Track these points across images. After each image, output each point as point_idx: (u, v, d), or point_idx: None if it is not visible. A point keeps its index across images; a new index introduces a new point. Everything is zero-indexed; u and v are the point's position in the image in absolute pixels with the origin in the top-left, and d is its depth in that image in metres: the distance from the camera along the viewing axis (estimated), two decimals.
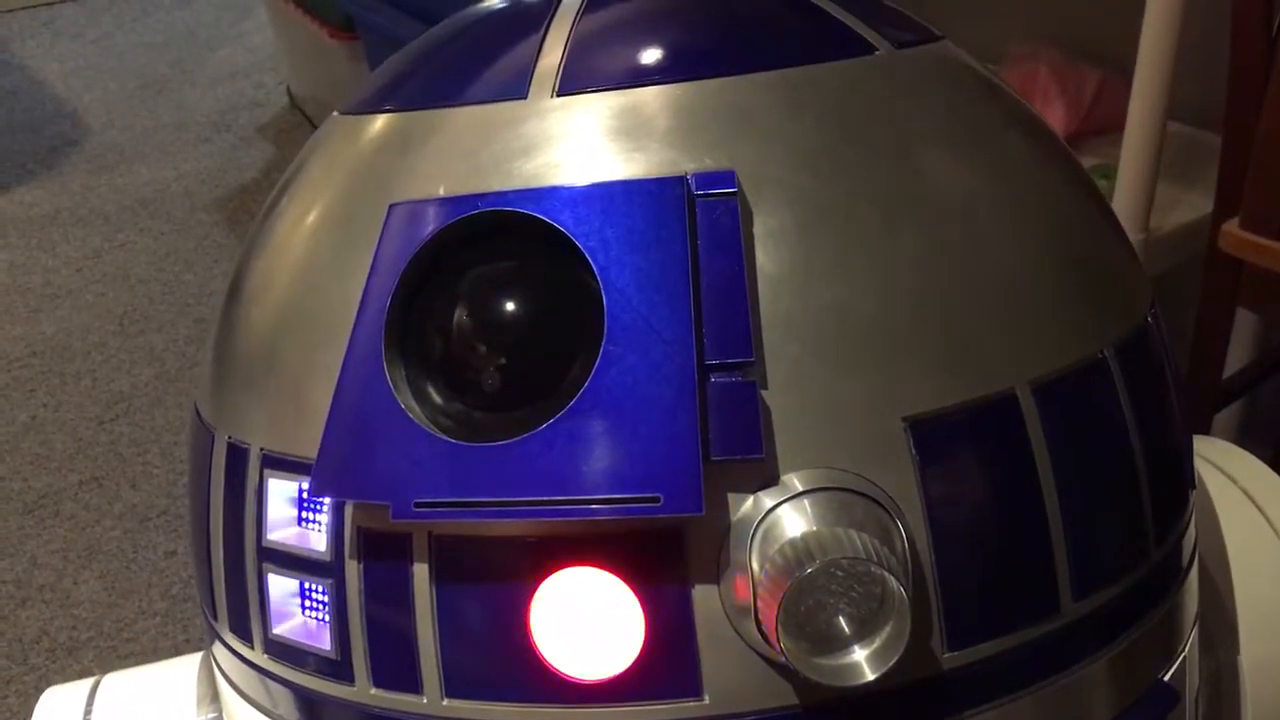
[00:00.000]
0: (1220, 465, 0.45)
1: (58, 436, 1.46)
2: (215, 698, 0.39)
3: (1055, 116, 1.08)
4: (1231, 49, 0.82)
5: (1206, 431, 0.98)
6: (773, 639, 0.25)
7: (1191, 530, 0.34)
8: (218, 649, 0.34)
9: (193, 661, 0.41)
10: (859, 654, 0.25)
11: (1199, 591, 0.39)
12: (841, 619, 0.25)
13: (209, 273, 1.79)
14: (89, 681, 0.40)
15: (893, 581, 0.24)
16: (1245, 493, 0.44)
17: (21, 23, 2.87)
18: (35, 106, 2.44)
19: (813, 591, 0.25)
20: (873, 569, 0.24)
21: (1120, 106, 0.91)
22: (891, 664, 0.24)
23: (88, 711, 0.39)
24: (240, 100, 2.41)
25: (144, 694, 0.39)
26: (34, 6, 2.96)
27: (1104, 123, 1.07)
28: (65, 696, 0.39)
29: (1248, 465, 0.45)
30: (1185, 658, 0.33)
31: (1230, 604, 0.41)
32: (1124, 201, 0.92)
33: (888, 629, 0.25)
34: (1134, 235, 0.95)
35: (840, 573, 0.25)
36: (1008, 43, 1.28)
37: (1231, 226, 0.80)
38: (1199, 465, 0.44)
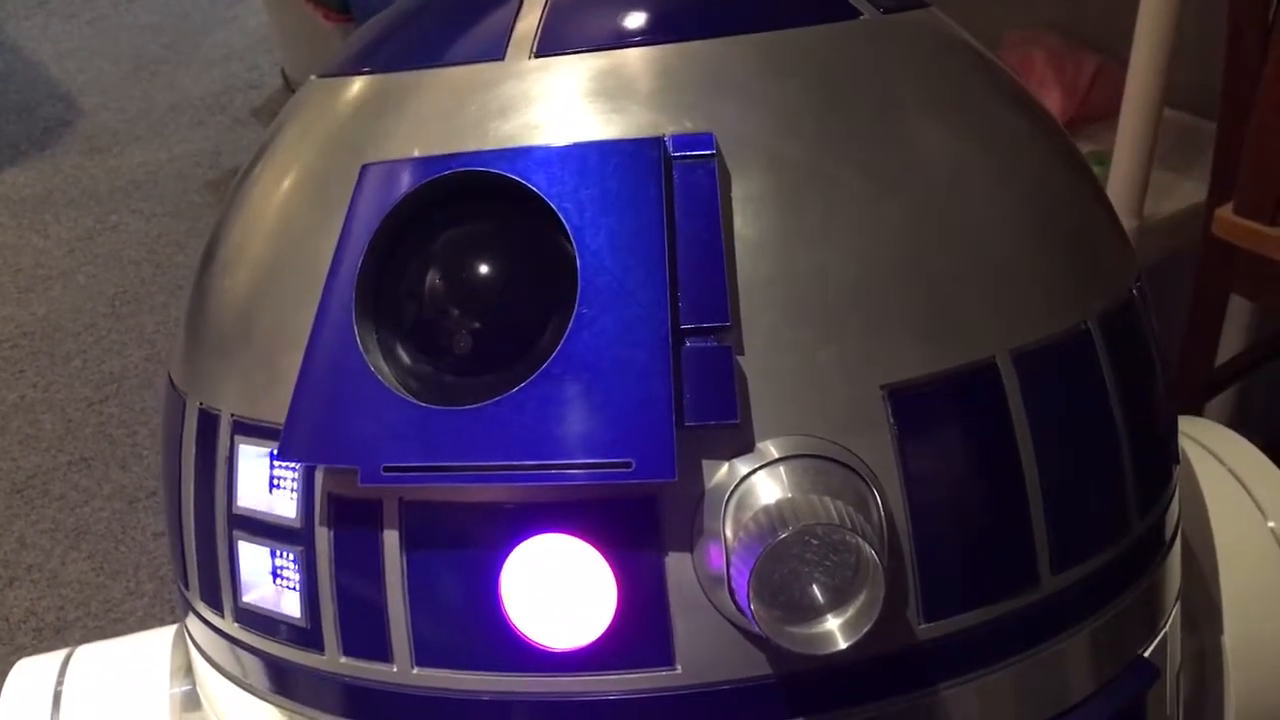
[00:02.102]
0: (1208, 446, 0.44)
1: (47, 417, 1.45)
2: (189, 669, 0.39)
3: (1052, 102, 1.08)
4: (1228, 37, 0.82)
5: (1200, 416, 0.97)
6: (745, 607, 0.24)
7: (1175, 505, 0.33)
8: (190, 619, 0.34)
9: (167, 634, 0.40)
10: (832, 623, 0.24)
11: (1183, 571, 0.38)
12: (816, 588, 0.25)
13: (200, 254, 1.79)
14: (61, 653, 0.40)
15: (867, 549, 0.24)
16: (1233, 474, 0.44)
17: (15, 3, 2.86)
18: (28, 88, 2.43)
19: (786, 559, 0.24)
20: (847, 536, 0.24)
21: (1117, 93, 0.90)
22: (864, 632, 0.24)
23: (59, 682, 0.38)
24: (235, 82, 2.40)
25: (117, 665, 0.39)
26: None
27: (1101, 109, 1.07)
28: (37, 667, 0.39)
29: (1236, 447, 0.45)
30: (1166, 634, 0.33)
31: (1215, 585, 0.41)
32: (1118, 187, 0.92)
33: (862, 597, 0.24)
34: (1129, 221, 0.95)
35: (814, 540, 0.24)
36: (1006, 27, 1.28)
37: (1225, 212, 0.79)
38: (1187, 446, 0.44)
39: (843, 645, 0.24)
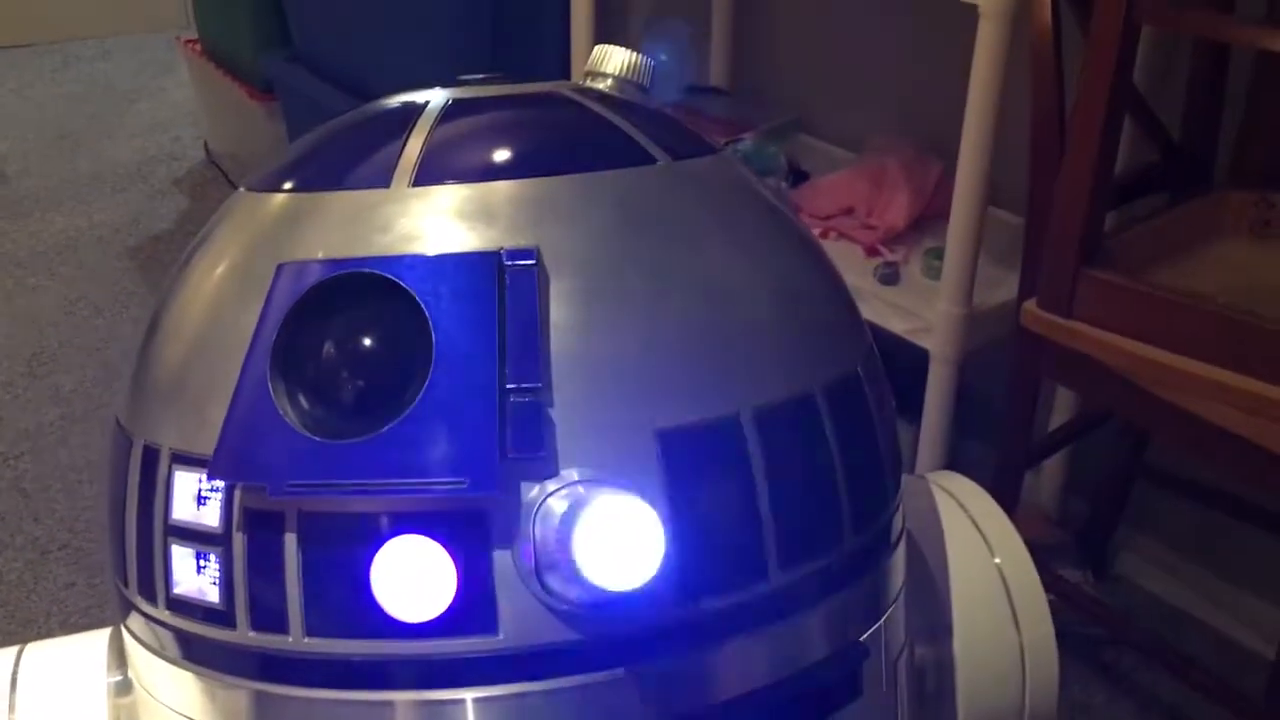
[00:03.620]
0: (954, 494, 0.55)
1: None
2: (122, 663, 0.47)
3: (901, 202, 1.21)
4: (1030, 144, 0.95)
5: (1018, 485, 1.09)
6: (547, 586, 0.34)
7: (890, 528, 0.44)
8: (129, 614, 0.43)
9: (103, 635, 0.49)
10: (629, 570, 0.34)
11: (926, 592, 0.49)
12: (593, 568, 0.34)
13: (118, 317, 1.85)
14: (13, 649, 0.48)
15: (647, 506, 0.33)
16: (971, 518, 0.54)
17: None
18: None
19: (569, 556, 0.34)
20: (625, 495, 0.33)
21: None
22: (651, 574, 0.33)
23: (15, 673, 0.47)
24: (158, 153, 2.47)
25: (62, 659, 0.47)
26: None
27: (945, 210, 1.20)
28: None
29: (976, 496, 0.56)
30: (882, 627, 0.43)
31: (949, 605, 0.51)
32: (949, 279, 1.04)
33: (647, 547, 0.34)
34: (958, 309, 1.08)
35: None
36: (874, 131, 1.42)
37: (1031, 305, 0.92)
38: (937, 494, 0.55)
39: (639, 584, 0.33)
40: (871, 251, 1.24)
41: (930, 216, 1.24)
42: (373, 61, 1.78)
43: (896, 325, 1.14)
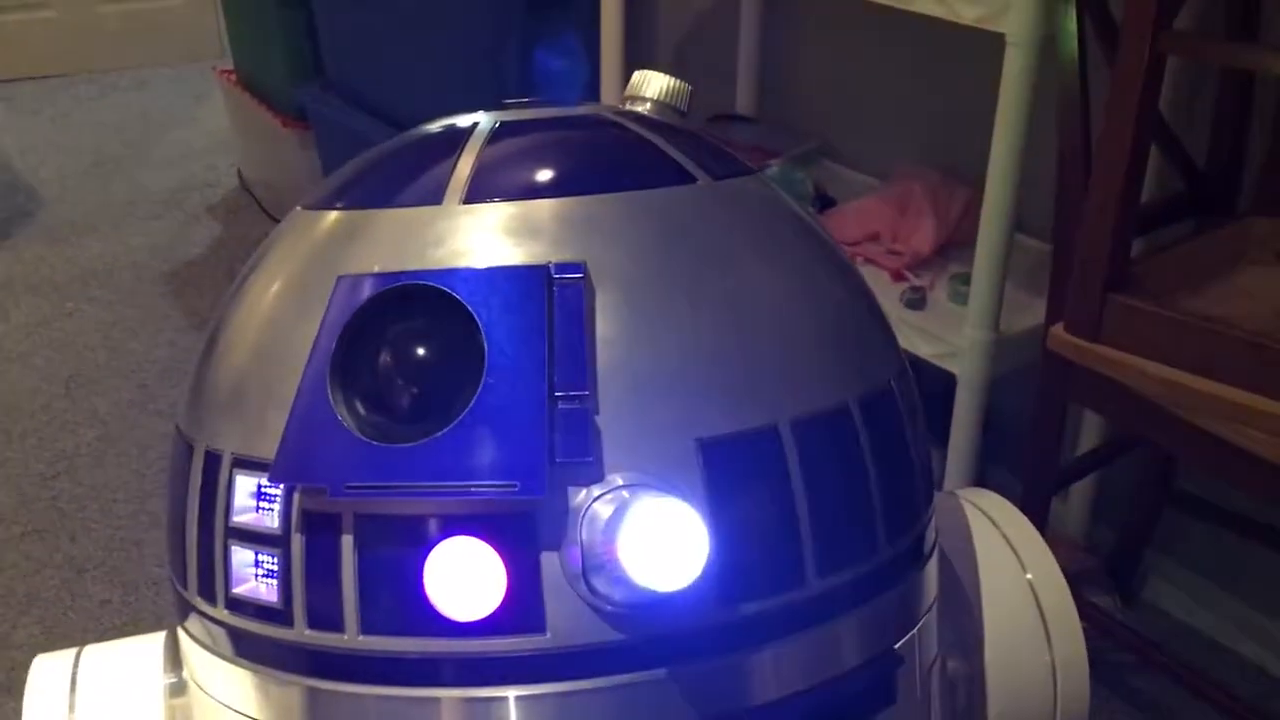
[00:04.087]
0: (985, 510, 0.56)
1: (2, 491, 1.52)
2: (177, 665, 0.49)
3: (927, 228, 1.23)
4: (1057, 168, 0.96)
5: (1045, 511, 1.10)
6: (593, 587, 0.36)
7: (924, 539, 0.45)
8: (187, 613, 0.44)
9: (158, 637, 0.50)
10: (676, 570, 0.35)
11: (957, 608, 0.50)
12: (638, 573, 0.36)
13: (153, 340, 1.88)
14: (72, 650, 0.50)
15: (692, 510, 0.35)
16: (1003, 534, 0.55)
17: None
18: None
19: (615, 559, 0.35)
20: (669, 498, 0.35)
21: None
22: (696, 575, 0.35)
23: (74, 673, 0.48)
24: (192, 180, 2.51)
25: (120, 660, 0.49)
26: None
27: (970, 236, 1.21)
28: (53, 662, 0.49)
29: (1008, 513, 0.56)
30: (916, 636, 0.44)
31: (979, 617, 0.52)
32: (977, 304, 1.05)
33: (693, 548, 0.35)
34: (985, 334, 1.09)
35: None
36: (899, 159, 1.43)
37: (1058, 329, 0.92)
38: (969, 510, 0.56)
39: (684, 585, 0.35)
40: (898, 277, 1.25)
41: (956, 243, 1.25)
42: (404, 89, 1.81)
43: (923, 350, 1.15)
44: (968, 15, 1.02)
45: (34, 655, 0.51)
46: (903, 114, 1.51)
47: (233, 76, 2.37)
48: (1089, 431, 1.30)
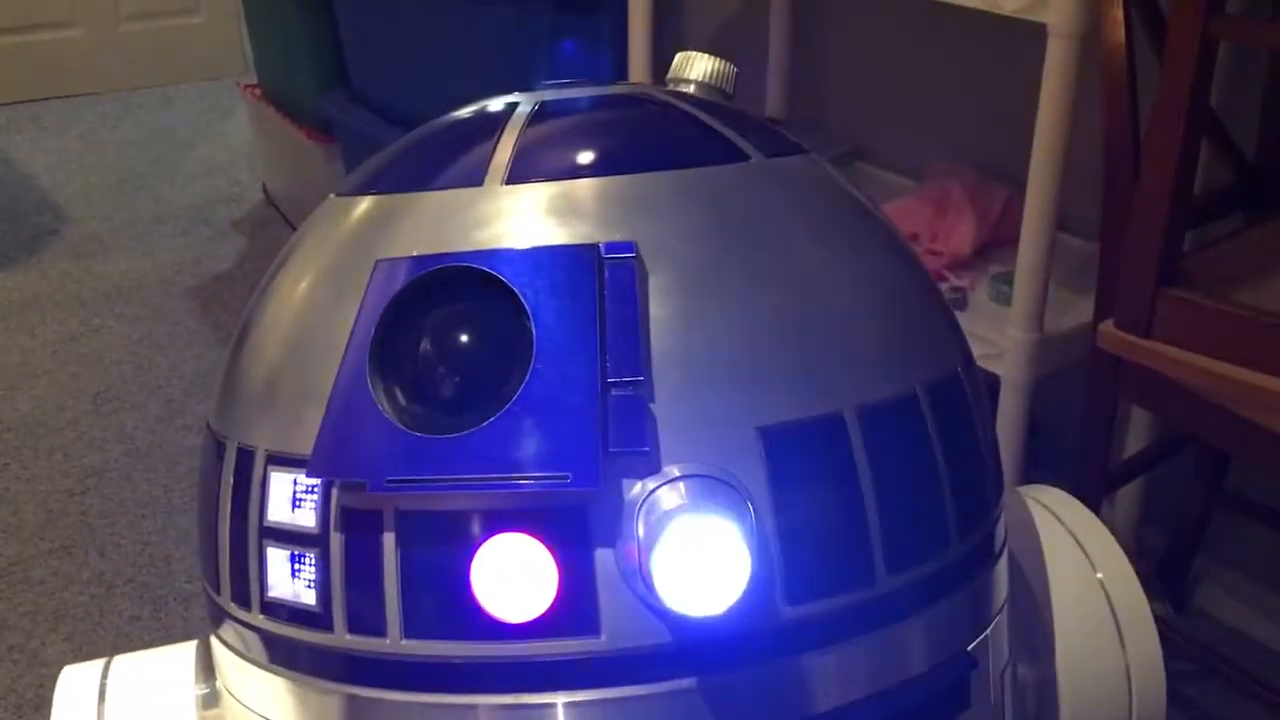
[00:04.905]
0: (1052, 509, 0.54)
1: (29, 507, 1.52)
2: (209, 675, 0.47)
3: (967, 228, 1.20)
4: (1104, 163, 0.93)
5: (1097, 511, 1.07)
6: (649, 583, 0.33)
7: (994, 535, 0.43)
8: (222, 623, 0.42)
9: (190, 647, 0.48)
10: (712, 597, 0.33)
11: (1026, 611, 0.48)
12: (698, 570, 0.33)
13: (180, 356, 1.87)
14: (101, 661, 0.48)
15: (740, 541, 0.33)
16: (1071, 533, 0.53)
17: (8, 116, 2.98)
18: (19, 196, 2.53)
19: (678, 550, 0.33)
20: (713, 519, 0.32)
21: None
22: (733, 604, 0.33)
23: (103, 684, 0.46)
24: (217, 195, 2.51)
25: (150, 670, 0.47)
26: (21, 102, 3.07)
27: (1011, 235, 1.19)
28: (81, 673, 0.47)
29: (1075, 511, 0.54)
30: (989, 637, 0.42)
31: (1049, 619, 0.50)
32: (1020, 304, 1.03)
33: (732, 577, 0.33)
34: (1030, 334, 1.06)
35: (699, 535, 0.33)
36: (935, 159, 1.41)
37: (1107, 326, 0.90)
38: (1034, 509, 0.54)
39: (718, 612, 0.33)
40: (938, 277, 1.23)
41: (996, 243, 1.22)
42: (431, 101, 1.80)
43: None
44: (1008, 6, 1.00)
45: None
46: (937, 113, 1.48)
47: (256, 91, 2.37)
48: (1136, 433, 1.27)
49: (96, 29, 3.20)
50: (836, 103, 1.65)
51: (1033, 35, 1.00)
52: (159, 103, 3.12)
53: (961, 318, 1.18)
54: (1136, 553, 1.30)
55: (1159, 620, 1.18)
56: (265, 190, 2.50)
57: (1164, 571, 1.27)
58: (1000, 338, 1.10)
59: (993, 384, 1.13)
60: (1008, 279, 1.12)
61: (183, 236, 2.32)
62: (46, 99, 3.08)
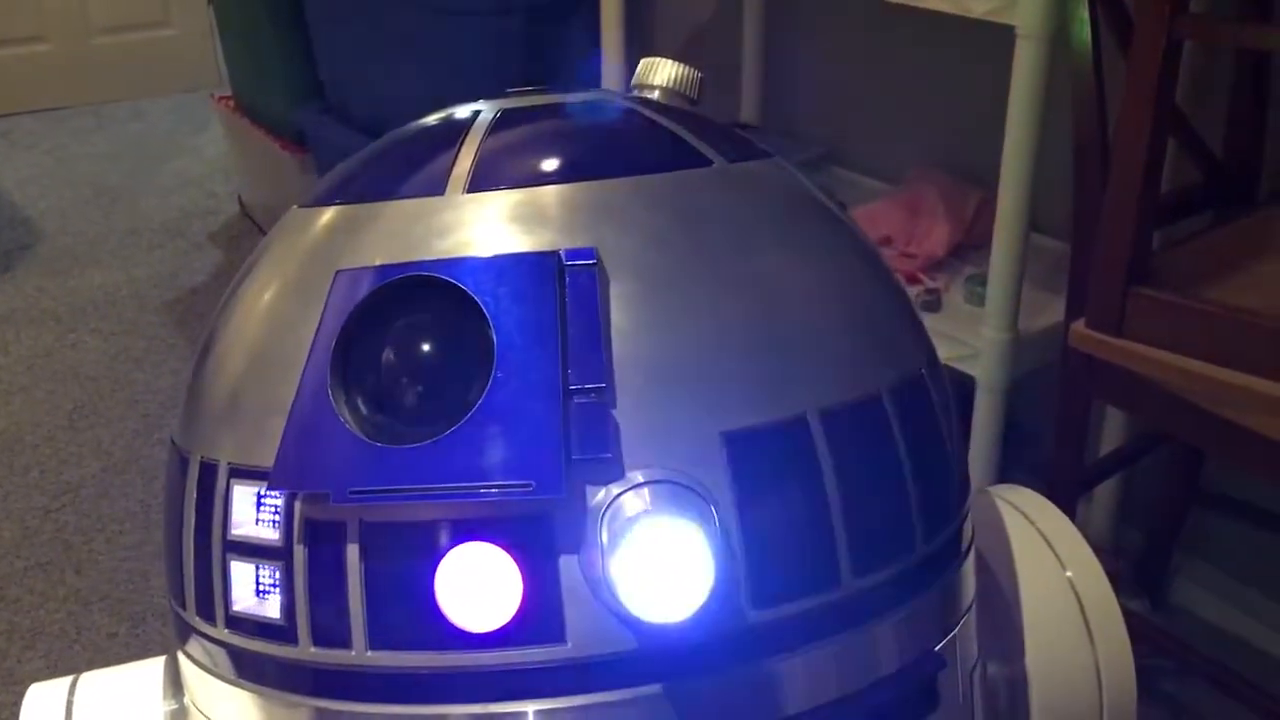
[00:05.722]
0: (1021, 508, 0.54)
1: (5, 524, 1.50)
2: (177, 691, 0.47)
3: (941, 230, 1.21)
4: (1073, 162, 0.94)
5: (1072, 510, 1.08)
6: (613, 590, 0.33)
7: (961, 535, 0.43)
8: (187, 635, 0.42)
9: (158, 663, 0.48)
10: (676, 603, 0.33)
11: (996, 609, 0.48)
12: (662, 577, 0.33)
13: (157, 370, 1.86)
14: (68, 679, 0.47)
15: (703, 547, 0.33)
16: (1040, 532, 0.53)
17: None
18: None
19: (642, 556, 0.33)
20: (675, 518, 0.32)
21: None
22: (698, 609, 0.33)
23: (69, 703, 0.46)
24: (192, 208, 2.50)
25: (118, 687, 0.46)
26: None
27: (984, 237, 1.19)
28: (48, 691, 0.47)
29: (1044, 510, 0.54)
30: (957, 637, 0.42)
31: (1019, 618, 0.50)
32: (994, 304, 1.03)
33: (696, 583, 0.33)
34: (1004, 335, 1.07)
35: (663, 541, 0.33)
36: (908, 163, 1.42)
37: (1079, 326, 0.90)
38: (1004, 508, 0.54)
39: (682, 618, 0.33)
40: (911, 280, 1.23)
41: (970, 245, 1.23)
42: (405, 110, 1.79)
43: (941, 352, 1.12)
44: (977, 9, 1.00)
45: None
46: (911, 116, 1.49)
47: (230, 103, 2.36)
48: (1112, 431, 1.27)
49: (67, 42, 3.18)
50: (811, 107, 1.65)
51: (1004, 37, 1.01)
52: (132, 116, 3.10)
53: (936, 319, 1.19)
54: (1114, 550, 1.31)
55: (1138, 617, 1.19)
56: (241, 202, 2.50)
57: (1142, 568, 1.28)
58: (975, 338, 1.10)
59: (968, 385, 1.13)
60: (982, 280, 1.12)
61: (158, 250, 2.31)
62: (17, 114, 3.07)
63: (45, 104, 3.13)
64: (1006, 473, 1.21)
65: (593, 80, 1.61)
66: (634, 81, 0.48)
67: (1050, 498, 1.01)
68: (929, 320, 1.19)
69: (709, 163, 0.42)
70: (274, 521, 0.38)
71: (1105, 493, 1.29)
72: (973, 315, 1.16)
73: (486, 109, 0.44)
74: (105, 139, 2.93)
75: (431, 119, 0.46)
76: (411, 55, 1.79)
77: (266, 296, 0.42)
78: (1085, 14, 0.91)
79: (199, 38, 3.25)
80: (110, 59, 3.21)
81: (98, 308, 2.08)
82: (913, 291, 1.21)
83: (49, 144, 2.91)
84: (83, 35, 3.19)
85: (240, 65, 2.32)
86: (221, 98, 2.42)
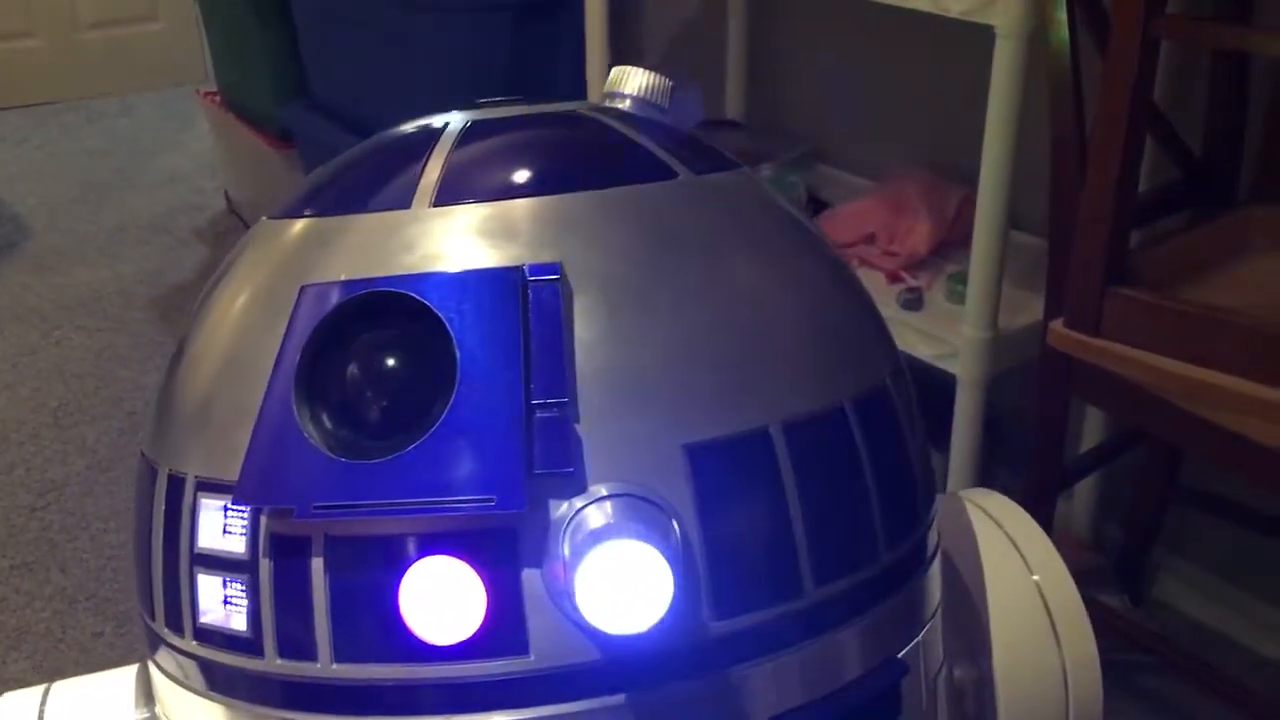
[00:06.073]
0: (990, 512, 0.54)
1: None
2: (149, 700, 0.47)
3: (923, 228, 1.21)
4: (1050, 163, 0.94)
5: (1050, 510, 1.08)
6: (574, 602, 0.33)
7: (925, 543, 0.43)
8: (157, 646, 0.42)
9: (130, 672, 0.48)
10: (637, 615, 0.33)
11: (963, 612, 0.48)
12: (624, 589, 0.34)
13: (143, 368, 1.86)
14: (40, 688, 0.48)
15: (662, 561, 0.33)
16: (1008, 536, 0.53)
17: None
18: None
19: (604, 569, 0.33)
20: (647, 551, 0.33)
21: None
22: (658, 620, 0.33)
23: (42, 711, 0.46)
24: (179, 204, 2.49)
25: (89, 696, 0.47)
26: None
27: (967, 234, 1.20)
28: (20, 700, 0.47)
29: (1013, 514, 0.55)
30: (921, 643, 0.42)
31: (986, 621, 0.50)
32: (974, 303, 1.04)
33: (657, 595, 0.33)
34: (984, 333, 1.07)
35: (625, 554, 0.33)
36: (892, 160, 1.42)
37: (1057, 325, 0.91)
38: (973, 512, 0.54)
39: (642, 630, 0.33)
40: (894, 278, 1.24)
41: (952, 243, 1.23)
42: (389, 107, 1.79)
43: (922, 351, 1.13)
44: (955, 8, 1.00)
45: None
46: (895, 115, 1.49)
47: (216, 98, 2.36)
48: (1092, 428, 1.28)
49: (55, 38, 3.17)
50: (795, 105, 1.65)
51: (986, 37, 1.01)
52: (119, 111, 3.09)
53: (918, 317, 1.19)
54: (1094, 547, 1.32)
55: (1117, 612, 1.19)
56: (227, 198, 2.49)
57: (1122, 565, 1.29)
58: (956, 337, 1.11)
59: (949, 382, 1.14)
60: (963, 279, 1.12)
61: (144, 246, 2.30)
62: (5, 109, 3.06)
63: (33, 99, 3.12)
64: (987, 470, 1.21)
65: (578, 78, 1.61)
66: (605, 89, 0.49)
67: (1030, 495, 1.02)
68: (911, 319, 1.20)
69: (675, 175, 0.42)
70: (240, 535, 0.38)
71: (1086, 489, 1.30)
72: (954, 313, 1.16)
73: (455, 120, 0.44)
74: (94, 134, 2.92)
75: (398, 130, 0.47)
76: (398, 52, 1.78)
77: (235, 310, 0.42)
78: (1063, 14, 0.91)
79: (186, 32, 3.24)
80: (98, 54, 3.20)
81: (83, 304, 2.08)
82: (895, 290, 1.22)
83: (38, 140, 2.90)
84: (70, 30, 3.18)
85: (226, 61, 2.31)
86: (208, 93, 2.41)
